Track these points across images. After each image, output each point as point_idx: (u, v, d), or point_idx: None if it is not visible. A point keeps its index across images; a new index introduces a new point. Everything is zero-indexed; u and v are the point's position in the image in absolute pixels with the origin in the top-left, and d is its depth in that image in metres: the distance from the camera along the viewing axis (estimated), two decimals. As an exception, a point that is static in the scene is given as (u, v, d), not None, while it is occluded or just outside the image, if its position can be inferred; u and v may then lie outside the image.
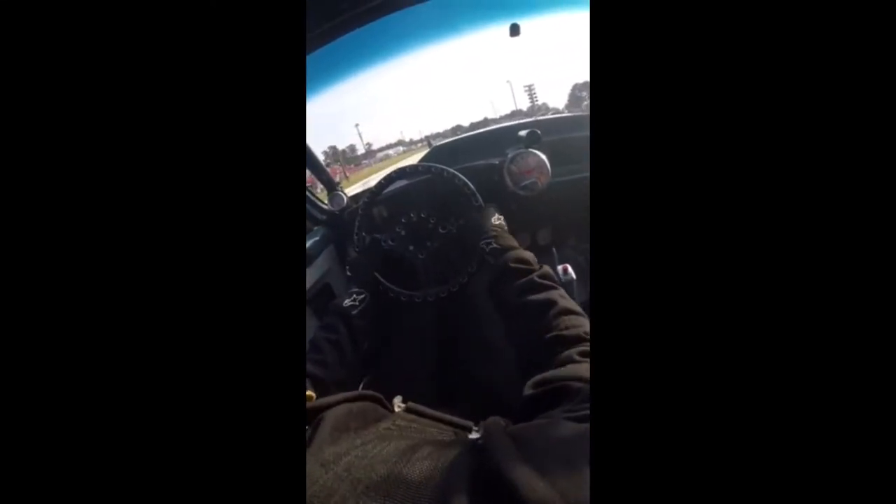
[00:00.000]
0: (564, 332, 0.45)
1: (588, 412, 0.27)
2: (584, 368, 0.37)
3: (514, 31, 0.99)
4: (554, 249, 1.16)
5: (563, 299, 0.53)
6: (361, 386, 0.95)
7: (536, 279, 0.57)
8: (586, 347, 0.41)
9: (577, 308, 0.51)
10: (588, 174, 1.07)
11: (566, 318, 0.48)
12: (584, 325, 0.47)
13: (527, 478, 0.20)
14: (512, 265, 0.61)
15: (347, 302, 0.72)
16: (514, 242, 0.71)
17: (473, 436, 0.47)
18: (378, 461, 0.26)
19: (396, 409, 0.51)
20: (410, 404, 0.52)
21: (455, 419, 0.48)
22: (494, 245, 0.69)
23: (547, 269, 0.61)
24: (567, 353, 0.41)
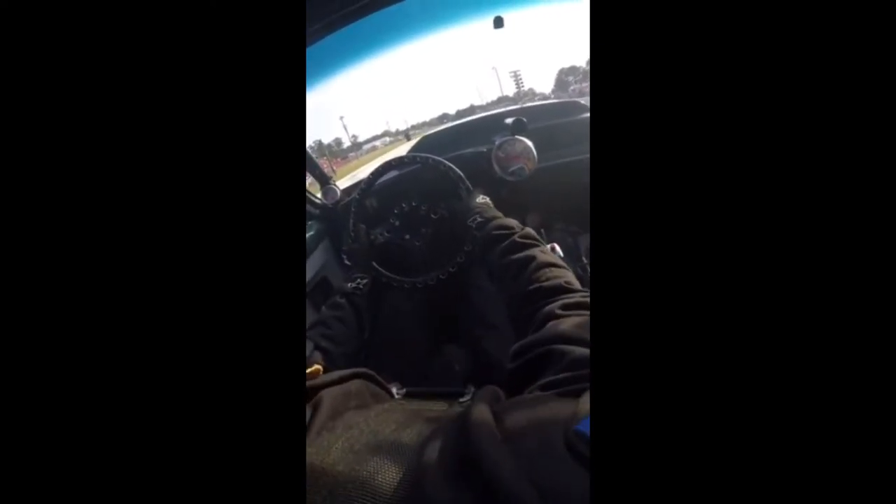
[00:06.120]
0: (544, 284, 0.45)
1: (569, 385, 0.27)
2: (565, 325, 0.35)
3: (498, 23, 1.02)
4: (543, 231, 1.21)
5: (544, 254, 0.52)
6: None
7: (517, 239, 0.57)
8: (568, 299, 0.40)
9: (559, 261, 0.51)
10: (572, 158, 1.12)
11: (545, 270, 0.47)
12: (564, 275, 0.47)
13: (501, 467, 0.19)
14: (494, 232, 0.63)
15: (351, 285, 0.76)
16: (498, 213, 0.73)
17: (464, 399, 0.51)
18: (376, 431, 0.27)
19: (396, 397, 0.54)
20: (409, 390, 0.54)
21: (450, 389, 0.50)
22: (479, 219, 0.72)
23: (528, 230, 0.61)
24: (549, 307, 0.40)
